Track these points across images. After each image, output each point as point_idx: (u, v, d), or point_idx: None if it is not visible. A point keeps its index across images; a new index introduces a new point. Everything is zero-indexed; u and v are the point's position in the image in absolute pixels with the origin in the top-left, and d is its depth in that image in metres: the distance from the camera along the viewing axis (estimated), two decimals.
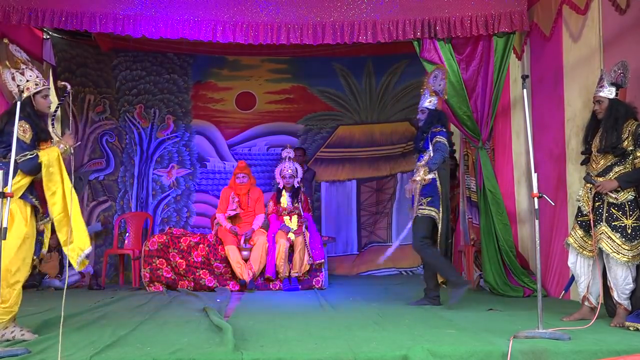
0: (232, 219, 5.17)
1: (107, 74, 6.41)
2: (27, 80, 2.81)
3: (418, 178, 3.75)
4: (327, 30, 4.52)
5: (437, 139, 3.82)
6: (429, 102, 3.97)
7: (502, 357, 2.34)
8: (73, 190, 2.70)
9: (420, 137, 3.93)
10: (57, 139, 2.84)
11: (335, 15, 4.54)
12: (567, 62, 4.10)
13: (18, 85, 2.78)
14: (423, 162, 3.83)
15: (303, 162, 6.11)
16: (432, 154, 3.80)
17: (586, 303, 3.18)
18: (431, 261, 3.81)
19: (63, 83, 2.96)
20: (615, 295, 3.03)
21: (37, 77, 2.84)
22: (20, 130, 2.64)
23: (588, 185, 3.14)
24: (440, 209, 3.76)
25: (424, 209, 3.78)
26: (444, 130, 3.89)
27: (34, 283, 5.04)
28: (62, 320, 2.43)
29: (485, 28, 4.43)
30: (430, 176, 3.77)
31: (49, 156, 2.69)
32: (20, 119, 2.62)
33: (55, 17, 4.44)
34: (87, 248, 2.70)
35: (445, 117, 4.06)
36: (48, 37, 6.04)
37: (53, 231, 5.82)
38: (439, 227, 3.76)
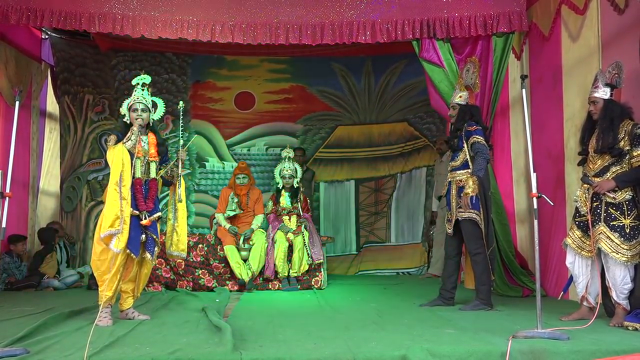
0: (231, 219, 5.15)
1: (105, 73, 6.39)
2: (127, 100, 3.28)
3: (469, 191, 3.53)
4: (326, 31, 4.51)
5: (474, 139, 3.59)
6: (459, 97, 3.79)
7: (501, 357, 2.33)
8: (115, 180, 3.08)
9: (453, 135, 3.73)
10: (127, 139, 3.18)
11: (334, 15, 4.53)
12: (566, 62, 4.09)
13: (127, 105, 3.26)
14: (459, 163, 3.64)
15: (303, 162, 6.10)
16: (467, 155, 3.61)
17: (585, 303, 3.18)
18: (479, 268, 3.62)
19: (181, 102, 3.44)
20: (613, 295, 3.03)
21: (134, 96, 3.24)
22: (109, 139, 3.25)
23: (585, 185, 3.14)
24: (481, 210, 3.59)
25: (464, 212, 3.61)
26: (480, 128, 3.66)
27: (33, 283, 5.02)
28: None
29: (484, 28, 4.42)
30: (464, 177, 3.61)
31: (109, 152, 3.17)
32: (112, 133, 3.26)
33: (54, 17, 4.43)
34: (108, 230, 3.00)
35: (478, 112, 3.82)
36: (47, 36, 6.02)
37: (53, 231, 5.78)
38: (482, 229, 3.58)
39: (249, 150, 6.66)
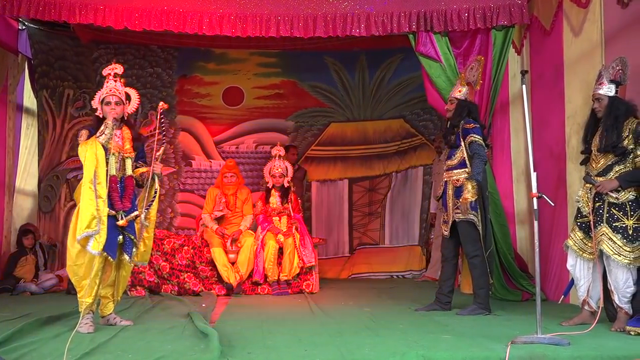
0: (219, 220, 5.05)
1: (87, 67, 6.23)
2: (99, 92, 3.19)
3: (469, 196, 3.49)
4: (319, 23, 4.43)
5: (472, 138, 3.55)
6: (458, 92, 3.74)
7: None
8: (89, 178, 2.94)
9: (450, 131, 3.69)
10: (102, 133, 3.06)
11: (327, 7, 4.45)
12: (568, 57, 4.06)
13: (99, 97, 3.16)
14: (456, 161, 3.59)
15: (295, 161, 5.99)
16: (465, 153, 3.55)
17: (586, 307, 3.15)
18: (477, 271, 3.58)
19: (161, 103, 3.30)
20: (615, 298, 2.99)
21: (107, 87, 3.16)
22: (80, 135, 3.13)
23: (587, 185, 3.11)
24: (479, 211, 3.53)
25: (460, 214, 3.55)
26: (477, 126, 3.61)
27: (8, 287, 4.87)
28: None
29: (484, 21, 4.37)
30: (461, 176, 3.56)
31: (81, 148, 3.03)
32: (83, 128, 3.17)
33: (32, 7, 4.31)
34: (84, 231, 2.87)
35: (476, 110, 3.79)
36: (24, 27, 5.86)
37: (28, 232, 5.60)
38: (480, 231, 3.54)
39: (237, 147, 6.53)
